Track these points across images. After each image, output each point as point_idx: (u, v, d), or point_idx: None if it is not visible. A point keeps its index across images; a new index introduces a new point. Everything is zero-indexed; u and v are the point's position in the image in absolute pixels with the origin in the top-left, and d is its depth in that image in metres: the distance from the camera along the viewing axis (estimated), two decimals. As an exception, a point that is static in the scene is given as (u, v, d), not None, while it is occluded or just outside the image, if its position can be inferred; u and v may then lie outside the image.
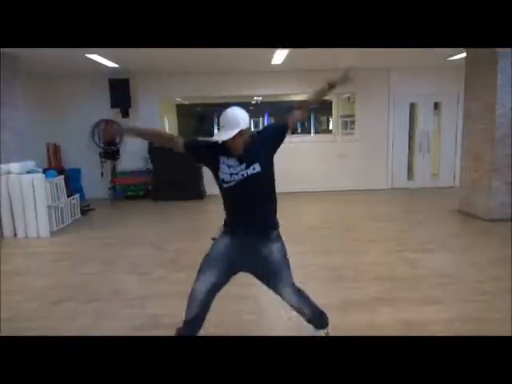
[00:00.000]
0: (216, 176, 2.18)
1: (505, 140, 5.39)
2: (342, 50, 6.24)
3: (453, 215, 6.13)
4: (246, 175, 2.09)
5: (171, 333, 2.72)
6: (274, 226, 2.23)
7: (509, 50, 5.22)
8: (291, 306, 2.33)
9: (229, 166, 2.12)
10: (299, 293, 2.32)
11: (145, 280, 3.75)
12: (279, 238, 2.23)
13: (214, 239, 2.23)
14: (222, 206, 2.23)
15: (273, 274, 2.22)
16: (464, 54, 6.10)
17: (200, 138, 2.37)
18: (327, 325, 2.45)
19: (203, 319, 2.23)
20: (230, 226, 2.22)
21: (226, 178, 2.12)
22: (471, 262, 4.03)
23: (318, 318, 2.42)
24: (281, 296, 2.28)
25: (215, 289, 2.19)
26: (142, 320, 2.96)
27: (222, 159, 2.13)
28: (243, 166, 2.10)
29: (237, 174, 2.10)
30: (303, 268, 3.93)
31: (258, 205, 2.17)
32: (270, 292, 2.30)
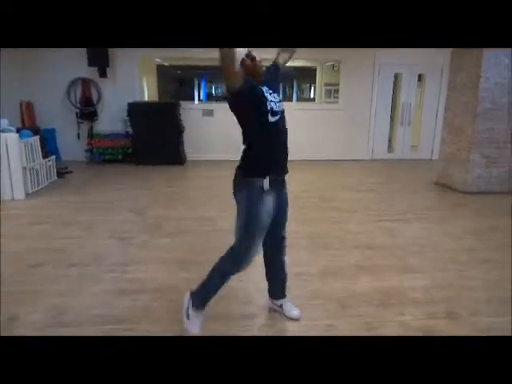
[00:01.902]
0: (263, 110, 2.06)
1: (486, 114, 5.46)
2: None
3: (430, 187, 6.27)
4: (281, 108, 2.15)
5: (154, 296, 2.76)
6: None
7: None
8: (278, 250, 2.44)
9: (270, 93, 2.12)
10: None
11: (127, 245, 3.70)
12: None
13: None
14: (254, 149, 2.17)
15: (285, 214, 2.37)
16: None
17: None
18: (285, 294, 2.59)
19: None
20: (270, 170, 2.16)
21: (275, 107, 2.10)
22: (447, 232, 4.15)
23: (284, 283, 2.56)
24: (276, 235, 2.37)
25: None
26: (125, 284, 2.95)
27: (265, 89, 2.12)
28: (276, 96, 2.15)
29: (276, 103, 2.11)
30: (285, 235, 3.98)
31: (287, 141, 2.24)
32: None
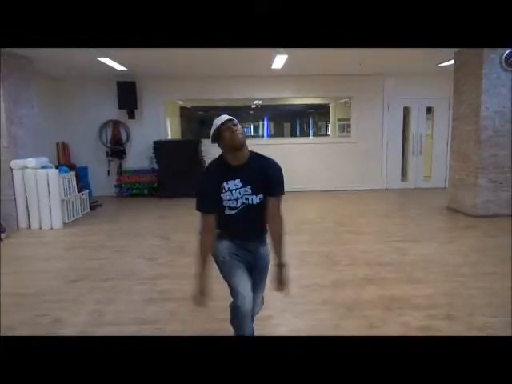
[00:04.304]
0: (220, 206, 2.13)
1: (490, 141, 5.77)
2: (340, 57, 6.65)
3: (441, 212, 6.49)
4: (251, 202, 2.10)
5: (180, 303, 3.09)
6: (265, 234, 2.28)
7: (493, 56, 5.61)
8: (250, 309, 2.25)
9: (231, 191, 2.07)
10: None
11: (155, 264, 4.10)
12: (267, 243, 2.30)
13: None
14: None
15: (260, 276, 2.30)
16: (453, 61, 6.49)
17: (201, 183, 2.19)
18: None
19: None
20: (228, 236, 2.23)
21: (233, 204, 2.09)
22: (455, 250, 4.39)
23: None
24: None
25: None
26: (154, 294, 3.31)
27: (224, 186, 2.07)
28: (248, 189, 2.08)
29: (242, 198, 2.09)
30: (300, 254, 4.30)
31: (257, 223, 2.20)
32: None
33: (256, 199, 2.10)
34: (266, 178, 2.09)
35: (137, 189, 8.41)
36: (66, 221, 5.89)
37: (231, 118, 2.08)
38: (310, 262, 4.06)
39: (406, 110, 8.83)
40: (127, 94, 8.07)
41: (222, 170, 2.09)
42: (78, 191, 6.48)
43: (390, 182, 8.92)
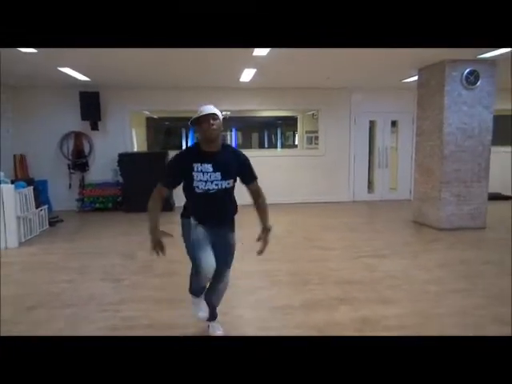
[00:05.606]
0: (190, 185, 2.38)
1: (452, 156, 5.94)
2: (307, 71, 6.70)
3: (407, 225, 6.62)
4: (220, 187, 2.38)
5: (146, 331, 2.94)
6: (233, 218, 2.66)
7: (455, 74, 5.80)
8: (218, 280, 2.66)
9: (203, 173, 2.33)
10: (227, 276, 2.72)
11: (119, 286, 3.89)
12: (234, 227, 2.67)
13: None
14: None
15: (226, 253, 2.63)
16: (416, 78, 6.68)
17: (172, 160, 2.50)
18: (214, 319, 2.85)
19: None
20: (198, 219, 2.50)
21: (201, 185, 2.35)
22: (420, 265, 4.44)
23: (213, 308, 2.81)
24: (218, 269, 2.54)
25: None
26: (118, 322, 3.12)
27: (196, 166, 2.34)
28: (218, 175, 2.35)
29: (211, 182, 2.34)
30: (268, 273, 4.21)
31: (225, 207, 2.54)
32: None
33: (225, 184, 2.39)
34: (236, 165, 2.44)
35: (100, 203, 8.10)
36: (23, 239, 5.55)
37: (214, 112, 2.33)
38: (281, 282, 3.98)
39: (372, 124, 9.02)
40: (90, 104, 7.79)
41: (196, 153, 2.38)
42: (37, 207, 6.14)
43: (357, 194, 9.05)
